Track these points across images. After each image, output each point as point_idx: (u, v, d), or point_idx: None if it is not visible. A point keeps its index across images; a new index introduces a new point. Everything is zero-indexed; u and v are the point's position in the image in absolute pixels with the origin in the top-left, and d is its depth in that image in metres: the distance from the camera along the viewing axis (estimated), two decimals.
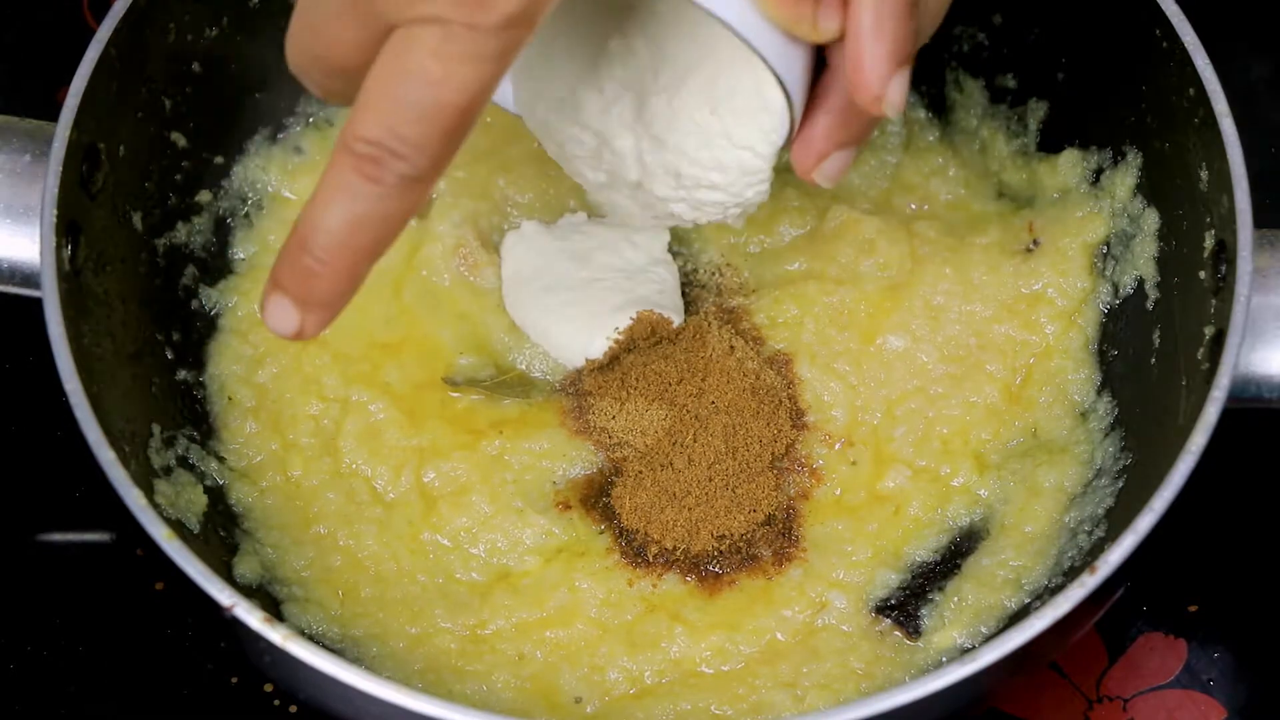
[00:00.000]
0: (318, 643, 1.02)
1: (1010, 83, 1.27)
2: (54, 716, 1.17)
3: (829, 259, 1.22)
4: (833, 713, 0.90)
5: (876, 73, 0.88)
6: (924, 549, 1.13)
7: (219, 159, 1.25)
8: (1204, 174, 1.07)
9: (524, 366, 1.21)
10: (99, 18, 1.12)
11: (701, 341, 1.19)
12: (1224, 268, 1.04)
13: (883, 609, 1.11)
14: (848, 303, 1.20)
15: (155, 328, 1.16)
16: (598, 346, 1.18)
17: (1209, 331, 1.04)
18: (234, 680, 1.17)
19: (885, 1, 0.87)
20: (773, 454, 1.15)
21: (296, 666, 0.91)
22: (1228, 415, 0.98)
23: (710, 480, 1.14)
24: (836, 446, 1.17)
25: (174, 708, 1.17)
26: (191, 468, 1.12)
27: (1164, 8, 1.09)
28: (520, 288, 1.22)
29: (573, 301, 1.20)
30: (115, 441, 0.98)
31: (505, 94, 1.09)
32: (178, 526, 0.99)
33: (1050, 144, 1.25)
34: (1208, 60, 1.07)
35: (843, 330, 1.20)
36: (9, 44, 1.45)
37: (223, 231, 1.24)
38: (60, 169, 1.04)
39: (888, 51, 0.88)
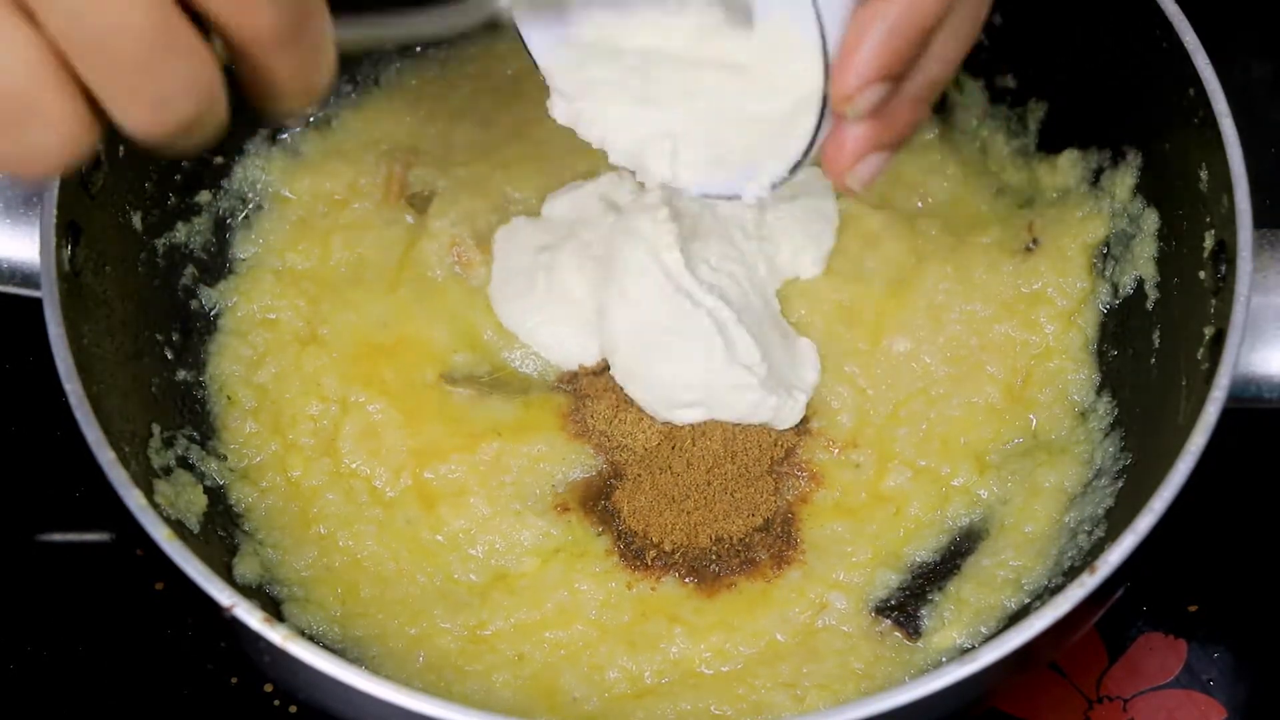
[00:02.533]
0: (318, 643, 1.02)
1: (1010, 83, 1.27)
2: (54, 716, 1.17)
3: (835, 251, 1.22)
4: (833, 713, 0.89)
5: (856, 73, 0.88)
6: (924, 549, 1.13)
7: (219, 159, 1.25)
8: (1204, 174, 1.07)
9: (518, 364, 1.21)
10: None
11: None
12: (1224, 268, 1.04)
13: (883, 609, 1.11)
14: (856, 300, 1.20)
15: (155, 328, 1.16)
16: (591, 353, 1.18)
17: (1209, 331, 1.04)
18: (234, 680, 1.17)
19: (891, 13, 0.87)
20: (772, 458, 1.15)
21: (296, 667, 0.91)
22: (1228, 415, 0.98)
23: (709, 484, 1.14)
24: (835, 451, 1.17)
25: (174, 708, 1.17)
26: (191, 468, 1.12)
27: (1164, 8, 1.09)
28: (507, 286, 1.21)
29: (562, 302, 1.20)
30: (115, 442, 0.98)
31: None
32: (178, 527, 0.99)
33: (1050, 144, 1.25)
34: (1208, 60, 1.07)
35: (851, 329, 1.20)
36: None
37: (223, 231, 1.24)
38: None
39: (873, 56, 0.88)
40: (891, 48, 0.88)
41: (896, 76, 0.90)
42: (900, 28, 0.88)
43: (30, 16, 0.71)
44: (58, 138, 0.73)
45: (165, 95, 0.73)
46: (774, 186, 0.99)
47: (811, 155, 0.95)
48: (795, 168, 0.97)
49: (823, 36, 0.88)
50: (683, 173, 1.03)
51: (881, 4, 0.87)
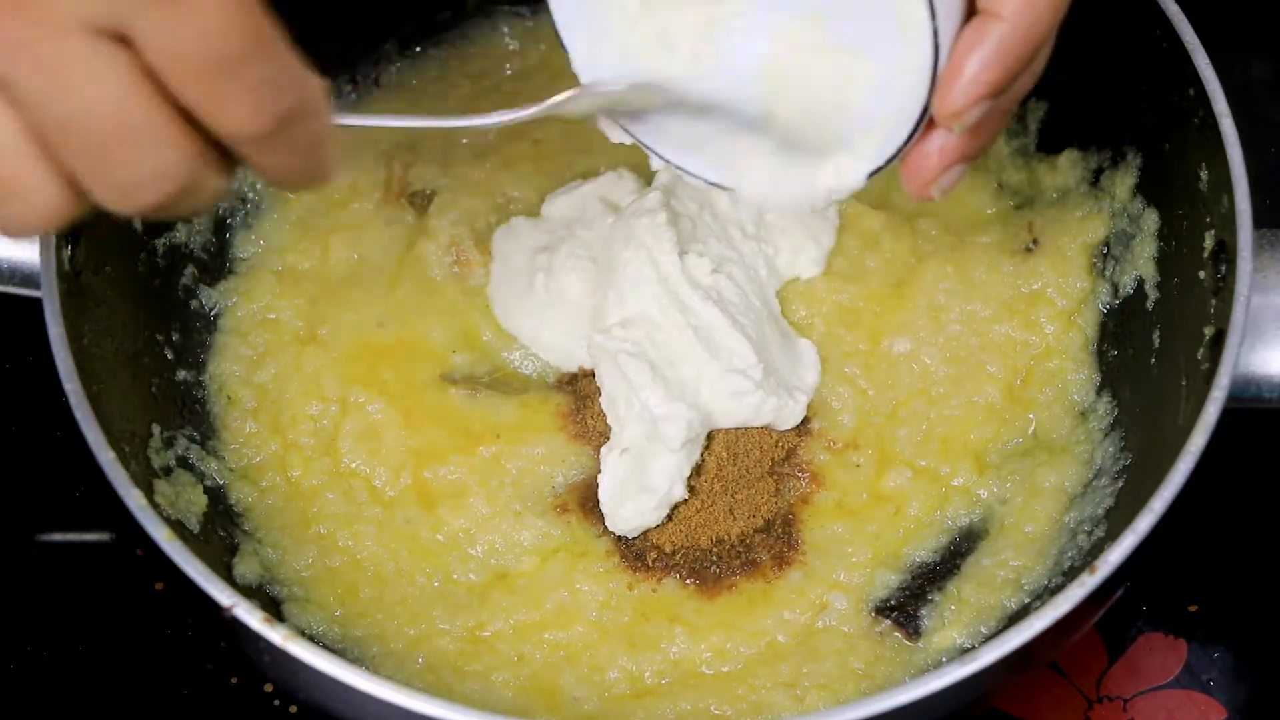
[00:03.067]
0: (318, 643, 1.02)
1: None
2: (54, 716, 1.17)
3: (835, 251, 1.22)
4: (833, 713, 0.89)
5: (965, 91, 0.87)
6: (924, 549, 1.13)
7: None
8: (1204, 174, 1.07)
9: (518, 365, 1.21)
10: None
11: None
12: (1224, 268, 1.04)
13: (883, 610, 1.11)
14: (856, 301, 1.20)
15: (155, 328, 1.16)
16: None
17: (1209, 331, 1.04)
18: (234, 680, 1.17)
19: (1005, 32, 0.87)
20: (772, 459, 1.15)
21: (296, 667, 0.91)
22: (1228, 415, 0.98)
23: (710, 485, 1.14)
24: (837, 455, 1.16)
25: (174, 708, 1.17)
26: (191, 468, 1.12)
27: (1164, 8, 1.09)
28: (506, 287, 1.21)
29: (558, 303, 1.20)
30: (115, 441, 0.98)
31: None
32: (178, 527, 0.99)
33: (1050, 144, 1.25)
34: (1208, 60, 1.07)
35: (851, 330, 1.20)
36: None
37: (223, 231, 1.24)
38: None
39: (984, 73, 0.87)
40: (1003, 67, 0.87)
41: (1001, 93, 0.89)
42: (1013, 46, 0.87)
43: (6, 97, 0.71)
44: (36, 210, 0.74)
45: (135, 181, 0.74)
46: (840, 195, 0.98)
47: (892, 163, 0.94)
48: (872, 174, 0.95)
49: (935, 50, 0.87)
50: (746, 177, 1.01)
51: (995, 22, 0.86)
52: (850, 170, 0.96)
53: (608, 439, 1.15)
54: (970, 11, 0.88)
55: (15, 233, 0.76)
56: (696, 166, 1.01)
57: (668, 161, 1.01)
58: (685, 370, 1.13)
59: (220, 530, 1.11)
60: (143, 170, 0.73)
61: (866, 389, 1.18)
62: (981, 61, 0.87)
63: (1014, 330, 1.19)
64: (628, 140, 1.01)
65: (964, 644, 1.08)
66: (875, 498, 1.15)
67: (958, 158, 0.93)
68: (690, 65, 0.96)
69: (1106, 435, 1.15)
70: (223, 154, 0.76)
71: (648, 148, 1.01)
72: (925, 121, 0.90)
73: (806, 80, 0.94)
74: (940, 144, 0.92)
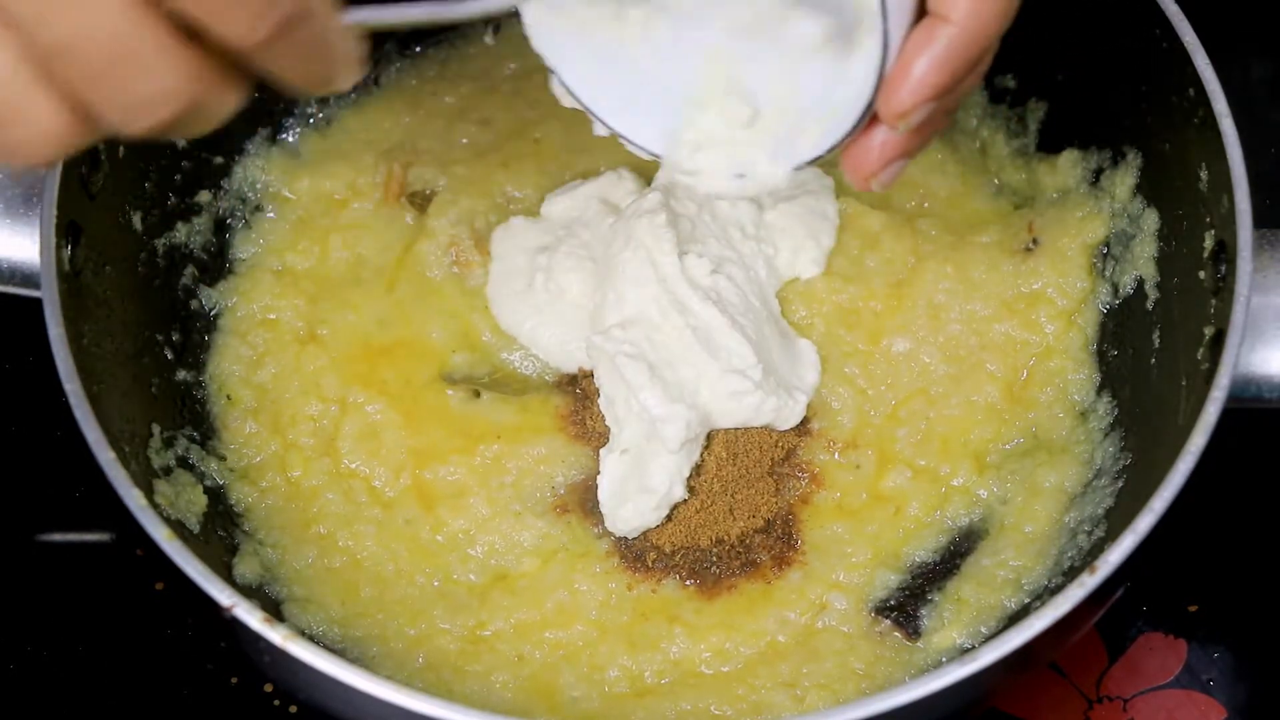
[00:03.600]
0: (318, 643, 1.02)
1: (1010, 83, 1.27)
2: (54, 716, 1.17)
3: (835, 251, 1.22)
4: (833, 713, 0.89)
5: (912, 91, 0.88)
6: (924, 550, 1.13)
7: (219, 159, 1.25)
8: (1204, 174, 1.07)
9: (517, 365, 1.21)
10: None
11: None
12: (1224, 268, 1.04)
13: (882, 610, 1.11)
14: (856, 301, 1.20)
15: (155, 328, 1.16)
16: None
17: (1209, 331, 1.04)
18: (234, 680, 1.17)
19: (953, 36, 0.88)
20: (772, 459, 1.15)
21: (296, 667, 0.91)
22: (1228, 415, 0.98)
23: (710, 486, 1.14)
24: (836, 455, 1.16)
25: (174, 708, 1.17)
26: (191, 468, 1.12)
27: (1164, 8, 1.09)
28: (505, 287, 1.21)
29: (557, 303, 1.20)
30: (115, 441, 0.98)
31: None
32: (178, 527, 0.99)
33: (1050, 144, 1.25)
34: (1208, 60, 1.07)
35: (851, 330, 1.20)
36: None
37: (222, 231, 1.24)
38: (60, 169, 1.04)
39: (931, 75, 0.88)
40: (951, 70, 0.88)
41: (947, 94, 0.90)
42: (961, 50, 0.88)
43: (3, 23, 0.71)
44: (41, 135, 0.74)
45: (139, 100, 0.73)
46: (774, 180, 0.98)
47: (831, 153, 0.95)
48: (810, 163, 0.96)
49: (884, 49, 0.87)
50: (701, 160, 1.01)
51: (944, 25, 0.87)
52: (786, 156, 0.96)
53: (608, 440, 1.15)
54: (920, 12, 0.88)
55: (24, 159, 0.75)
56: (638, 136, 1.02)
57: (609, 127, 1.02)
58: (684, 371, 1.13)
59: (220, 530, 1.11)
60: (146, 89, 0.73)
61: (866, 389, 1.18)
62: (930, 63, 0.88)
63: (1014, 330, 1.19)
64: (578, 106, 1.02)
65: (964, 644, 1.08)
66: (875, 498, 1.15)
67: (898, 154, 0.94)
68: (643, 37, 0.96)
69: (1106, 435, 1.15)
70: (231, 67, 0.75)
71: (591, 112, 1.02)
72: (868, 116, 0.91)
73: (759, 66, 0.95)
74: (882, 140, 0.93)
